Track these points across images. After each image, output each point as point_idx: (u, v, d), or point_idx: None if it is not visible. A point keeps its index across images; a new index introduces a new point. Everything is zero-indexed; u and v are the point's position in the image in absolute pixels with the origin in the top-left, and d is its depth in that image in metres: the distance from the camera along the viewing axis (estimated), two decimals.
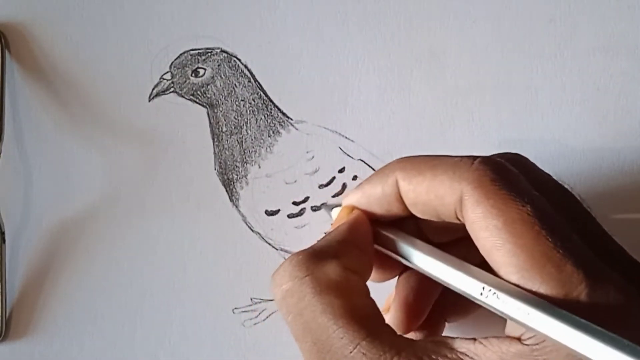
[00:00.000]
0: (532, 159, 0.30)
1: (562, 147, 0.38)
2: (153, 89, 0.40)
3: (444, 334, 0.35)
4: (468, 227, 0.26)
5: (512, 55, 0.39)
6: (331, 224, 0.33)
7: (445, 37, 0.39)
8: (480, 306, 0.26)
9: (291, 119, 0.40)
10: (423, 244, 0.29)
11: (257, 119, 0.40)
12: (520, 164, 0.29)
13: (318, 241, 0.30)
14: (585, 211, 0.29)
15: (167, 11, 0.40)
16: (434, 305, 0.33)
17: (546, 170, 0.30)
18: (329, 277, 0.27)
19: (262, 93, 0.40)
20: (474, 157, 0.27)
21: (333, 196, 0.39)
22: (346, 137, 0.39)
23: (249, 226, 0.39)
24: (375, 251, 0.30)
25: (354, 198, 0.31)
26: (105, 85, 0.40)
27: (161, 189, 0.40)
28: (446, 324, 0.35)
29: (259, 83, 0.40)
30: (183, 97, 0.40)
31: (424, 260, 0.28)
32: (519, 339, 0.25)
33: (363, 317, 0.26)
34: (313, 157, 0.39)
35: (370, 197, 0.30)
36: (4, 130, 0.39)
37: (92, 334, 0.40)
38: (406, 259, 0.29)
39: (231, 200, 0.40)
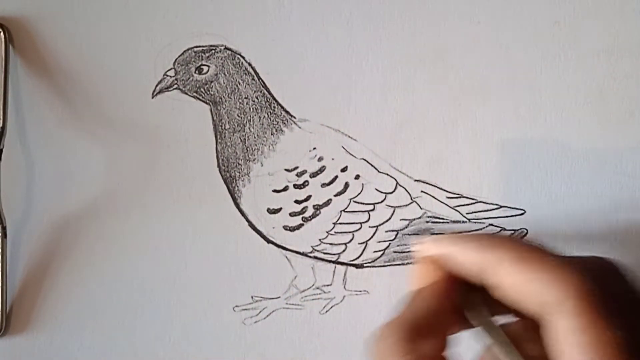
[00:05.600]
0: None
1: (564, 149, 0.38)
2: (156, 86, 0.40)
3: None
4: (550, 333, 0.27)
5: (515, 57, 0.39)
6: (415, 262, 0.31)
7: (450, 37, 0.39)
8: None
9: (294, 118, 0.39)
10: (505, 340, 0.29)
11: (260, 117, 0.40)
12: (614, 274, 0.30)
13: (410, 307, 0.29)
14: None
15: (172, 8, 0.40)
16: None
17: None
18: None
19: (265, 91, 0.40)
20: (576, 265, 0.27)
21: (335, 195, 0.39)
22: (349, 136, 0.39)
23: (250, 224, 0.39)
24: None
25: (447, 249, 0.30)
26: (108, 81, 0.40)
27: (163, 185, 0.40)
28: None
29: (262, 81, 0.40)
30: (186, 94, 0.40)
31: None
32: None
33: None
34: (316, 155, 0.39)
35: (463, 259, 0.29)
36: (6, 124, 0.39)
37: (92, 329, 0.40)
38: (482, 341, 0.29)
39: (233, 198, 0.40)
